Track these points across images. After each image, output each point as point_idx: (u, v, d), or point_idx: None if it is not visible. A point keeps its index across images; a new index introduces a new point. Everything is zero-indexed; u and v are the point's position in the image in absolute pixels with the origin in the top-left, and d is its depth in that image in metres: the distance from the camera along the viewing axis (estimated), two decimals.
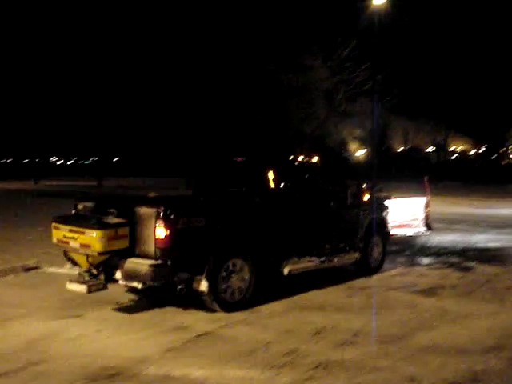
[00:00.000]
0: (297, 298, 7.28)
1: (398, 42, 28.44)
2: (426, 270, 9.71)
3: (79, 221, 6.12)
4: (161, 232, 5.74)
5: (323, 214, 7.99)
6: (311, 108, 26.59)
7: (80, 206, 6.79)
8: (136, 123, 44.93)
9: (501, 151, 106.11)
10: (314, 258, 7.72)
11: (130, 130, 48.30)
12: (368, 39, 26.27)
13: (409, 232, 11.50)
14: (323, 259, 7.88)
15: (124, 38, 37.45)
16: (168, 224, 5.74)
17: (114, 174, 54.26)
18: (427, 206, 11.77)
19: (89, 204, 6.74)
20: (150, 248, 5.88)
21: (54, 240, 6.37)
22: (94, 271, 6.12)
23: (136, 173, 56.15)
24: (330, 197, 8.13)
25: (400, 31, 28.55)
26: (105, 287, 6.13)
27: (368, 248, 8.79)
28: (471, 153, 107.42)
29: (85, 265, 6.09)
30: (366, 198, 8.85)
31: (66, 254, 6.52)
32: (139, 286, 5.88)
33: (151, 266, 5.75)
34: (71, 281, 6.21)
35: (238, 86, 27.81)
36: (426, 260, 10.64)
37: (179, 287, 5.96)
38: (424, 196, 11.90)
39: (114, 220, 5.97)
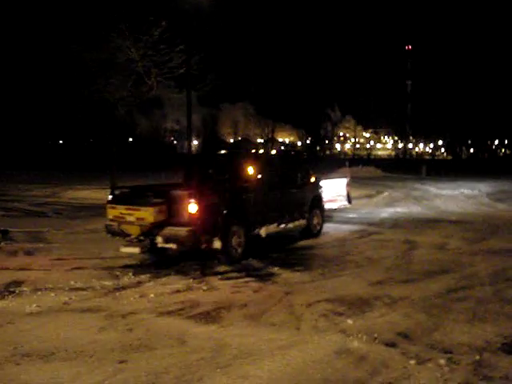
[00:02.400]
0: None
1: (218, 25, 26.85)
2: (218, 280, 7.94)
3: (133, 201, 8.33)
4: (192, 207, 7.94)
5: (284, 193, 10.35)
6: (120, 92, 23.94)
7: (117, 192, 9.08)
8: None
9: (323, 143, 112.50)
10: (278, 224, 10.19)
11: None
12: (181, 20, 24.41)
13: (334, 205, 13.54)
14: (284, 225, 10.43)
15: None
16: (197, 202, 7.95)
17: None
18: (348, 185, 13.89)
19: (125, 190, 9.28)
20: (183, 219, 8.00)
21: (110, 216, 8.50)
22: (142, 238, 8.32)
23: None
24: (288, 180, 10.64)
25: (220, 14, 26.97)
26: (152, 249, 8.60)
27: (311, 217, 11.34)
28: (299, 144, 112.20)
29: (136, 233, 8.29)
30: (311, 179, 11.55)
31: (108, 228, 8.65)
32: (174, 246, 8.15)
33: (187, 231, 7.93)
34: (124, 246, 8.56)
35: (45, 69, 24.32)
36: (222, 268, 8.89)
37: (203, 246, 8.25)
38: (345, 177, 14.04)
39: (157, 200, 8.16)
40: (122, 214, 8.31)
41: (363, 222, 13.86)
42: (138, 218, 8.12)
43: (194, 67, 23.69)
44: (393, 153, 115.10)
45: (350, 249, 10.29)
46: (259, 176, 9.71)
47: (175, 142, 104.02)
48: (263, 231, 9.71)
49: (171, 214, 8.14)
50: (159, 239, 8.17)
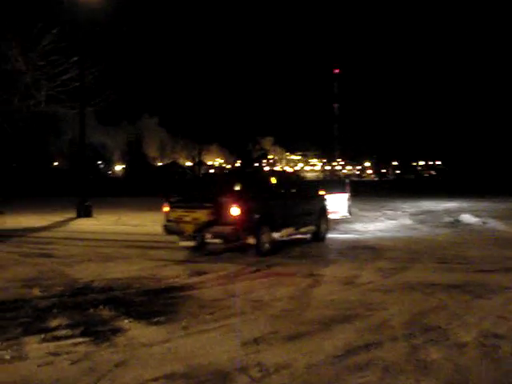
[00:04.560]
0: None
1: (118, 37, 24.44)
2: (38, 343, 5.59)
3: (189, 206, 10.84)
4: (235, 211, 10.19)
5: (298, 203, 12.30)
6: (9, 105, 21.11)
7: (172, 199, 11.35)
8: None
9: (255, 164, 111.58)
10: (295, 228, 12.16)
11: None
12: (77, 30, 21.94)
13: (337, 216, 15.85)
14: (300, 229, 12.36)
15: None
16: (238, 207, 10.21)
17: None
18: (349, 199, 17.01)
19: (177, 197, 11.62)
20: (227, 220, 10.20)
21: (171, 218, 10.99)
22: (195, 234, 10.60)
23: None
24: (302, 193, 12.88)
25: (122, 23, 24.66)
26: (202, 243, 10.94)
27: (320, 224, 12.92)
28: (228, 166, 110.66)
29: (191, 231, 10.57)
30: (319, 192, 13.66)
31: (166, 228, 11.28)
32: (220, 241, 10.53)
33: (231, 229, 10.20)
34: (181, 241, 11.22)
35: None
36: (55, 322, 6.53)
37: (241, 241, 10.62)
38: (346, 193, 17.18)
39: (208, 204, 10.39)
40: (180, 215, 10.72)
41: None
42: (193, 218, 10.41)
43: (89, 80, 21.30)
44: (321, 174, 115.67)
45: (238, 287, 8.16)
46: (281, 189, 12.11)
47: (101, 165, 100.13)
48: (285, 232, 11.73)
49: (217, 216, 10.23)
50: (208, 235, 10.42)
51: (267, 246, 10.94)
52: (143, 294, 7.93)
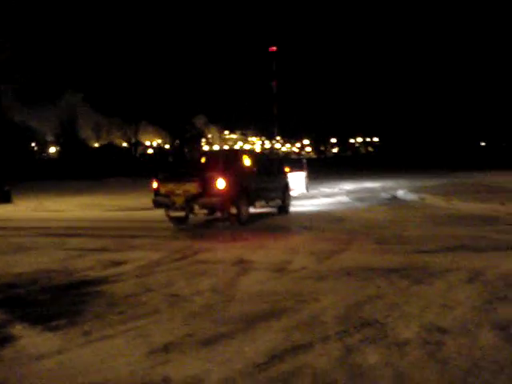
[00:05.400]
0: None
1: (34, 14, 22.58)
2: None
3: (179, 180, 12.06)
4: (221, 184, 11.41)
5: (268, 179, 13.85)
6: None
7: (160, 176, 12.52)
8: None
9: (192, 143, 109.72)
10: (266, 202, 13.84)
11: None
12: None
13: (295, 193, 17.24)
14: (269, 202, 14.05)
15: None
16: (224, 180, 11.43)
17: None
18: (306, 177, 18.74)
19: (165, 174, 13.15)
20: (214, 192, 11.44)
21: (163, 191, 12.02)
22: (184, 205, 11.69)
23: None
24: (271, 170, 14.44)
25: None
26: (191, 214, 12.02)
27: (284, 198, 14.70)
28: (167, 146, 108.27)
29: (181, 202, 11.64)
30: (285, 170, 15.80)
31: (155, 202, 12.30)
32: (206, 211, 11.93)
33: (217, 199, 11.45)
34: (172, 211, 12.24)
35: None
36: None
37: (225, 212, 11.88)
38: (303, 171, 18.63)
39: (196, 178, 11.62)
40: (172, 189, 11.76)
41: (188, 236, 10.97)
42: (184, 191, 11.53)
43: (6, 55, 19.65)
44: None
45: (157, 279, 7.28)
46: (254, 167, 13.43)
47: (35, 147, 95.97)
48: (258, 205, 13.38)
49: (205, 189, 11.35)
50: (196, 206, 11.53)
51: (245, 216, 12.30)
52: (49, 290, 6.95)
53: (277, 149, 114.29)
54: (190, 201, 11.57)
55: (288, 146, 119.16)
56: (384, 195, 18.91)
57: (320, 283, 6.75)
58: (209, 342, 4.73)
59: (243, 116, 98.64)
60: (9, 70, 19.72)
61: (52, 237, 11.44)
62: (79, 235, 11.44)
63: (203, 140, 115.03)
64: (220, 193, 11.42)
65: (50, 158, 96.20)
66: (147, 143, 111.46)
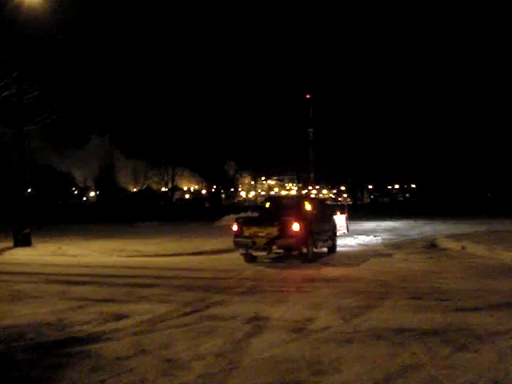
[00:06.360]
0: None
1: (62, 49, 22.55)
2: None
3: (261, 224, 13.49)
4: (296, 227, 12.97)
5: (324, 222, 15.29)
6: None
7: (240, 220, 14.22)
8: None
9: (229, 191, 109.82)
10: (323, 243, 14.99)
11: None
12: (18, 43, 19.89)
13: (338, 233, 17.59)
14: (326, 243, 15.34)
15: None
16: (298, 224, 13.02)
17: None
18: (347, 219, 19.79)
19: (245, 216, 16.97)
20: (289, 234, 12.98)
21: (247, 234, 13.33)
22: (265, 246, 13.17)
23: None
24: (325, 214, 15.87)
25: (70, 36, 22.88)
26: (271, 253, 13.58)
27: (334, 239, 16.08)
28: (204, 192, 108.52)
29: (263, 243, 13.11)
30: (336, 214, 17.83)
31: (236, 243, 13.72)
32: (282, 251, 13.51)
33: (293, 241, 13.06)
34: (254, 251, 13.66)
35: None
36: None
37: (298, 251, 13.52)
38: (345, 214, 19.76)
39: (276, 222, 13.11)
40: (255, 231, 13.24)
41: (209, 287, 10.01)
42: (266, 234, 13.04)
43: (32, 96, 19.44)
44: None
45: (155, 337, 6.32)
46: (315, 211, 14.70)
47: (75, 191, 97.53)
48: (318, 245, 14.34)
49: (283, 232, 12.90)
50: (275, 247, 13.11)
51: (311, 254, 13.65)
52: (32, 348, 6.08)
53: (308, 195, 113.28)
54: (270, 242, 13.01)
55: (325, 192, 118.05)
56: (422, 243, 17.65)
57: (343, 348, 5.69)
58: None
59: (277, 162, 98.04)
60: (37, 110, 19.50)
61: (59, 284, 10.67)
62: (88, 283, 10.60)
63: (239, 185, 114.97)
64: (295, 235, 12.95)
65: (89, 202, 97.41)
66: (185, 188, 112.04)
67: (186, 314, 7.63)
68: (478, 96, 71.98)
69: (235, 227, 13.70)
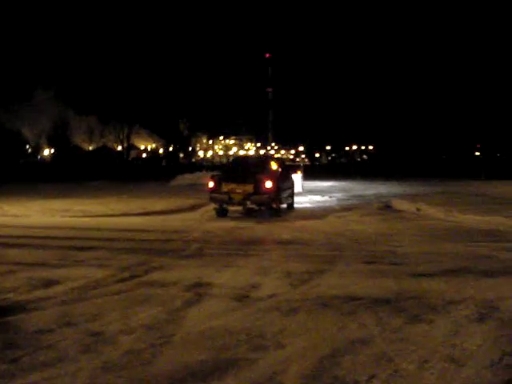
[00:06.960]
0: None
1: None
2: None
3: (238, 181, 14.34)
4: (269, 184, 14.03)
5: (287, 181, 16.44)
6: None
7: (216, 177, 14.97)
8: None
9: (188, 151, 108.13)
10: (285, 199, 16.01)
11: None
12: None
13: (295, 191, 18.27)
14: (287, 201, 16.37)
15: None
16: (270, 182, 14.10)
17: None
18: (302, 178, 22.49)
19: (218, 173, 16.99)
20: (263, 191, 14.02)
21: (225, 189, 14.18)
22: (241, 201, 14.20)
23: None
24: (287, 171, 17.21)
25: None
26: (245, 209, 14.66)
27: (293, 196, 17.05)
28: (161, 151, 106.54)
29: (239, 199, 14.08)
30: (296, 171, 20.62)
31: (213, 198, 14.45)
32: (256, 206, 14.39)
33: (266, 197, 14.05)
34: (231, 206, 14.61)
35: None
36: None
37: (270, 206, 14.35)
38: (300, 173, 22.42)
39: (251, 179, 14.02)
40: (232, 188, 14.18)
41: (153, 250, 9.43)
42: (243, 190, 14.11)
43: None
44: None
45: (85, 306, 5.74)
46: (280, 170, 16.05)
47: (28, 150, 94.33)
48: (283, 201, 15.59)
49: (256, 189, 14.03)
50: (249, 202, 14.20)
51: (280, 210, 14.84)
52: None
53: (272, 155, 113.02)
54: (246, 198, 14.04)
55: (283, 152, 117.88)
56: (377, 204, 17.41)
57: (288, 319, 5.24)
58: None
59: (233, 121, 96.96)
60: None
61: None
62: (22, 245, 9.85)
63: (196, 145, 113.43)
64: (268, 191, 14.07)
65: (44, 161, 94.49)
66: (142, 147, 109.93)
67: (122, 280, 7.04)
68: (437, 58, 72.24)
69: (211, 184, 14.57)
